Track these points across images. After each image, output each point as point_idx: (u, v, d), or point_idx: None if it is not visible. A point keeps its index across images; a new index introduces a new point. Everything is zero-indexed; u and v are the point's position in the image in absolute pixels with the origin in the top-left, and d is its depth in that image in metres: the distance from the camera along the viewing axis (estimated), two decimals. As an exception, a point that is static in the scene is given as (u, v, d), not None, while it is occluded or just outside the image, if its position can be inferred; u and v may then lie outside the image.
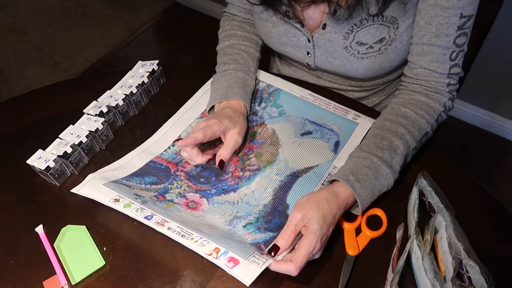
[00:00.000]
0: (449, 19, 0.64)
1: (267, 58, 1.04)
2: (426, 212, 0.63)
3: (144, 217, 0.59)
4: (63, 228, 0.62)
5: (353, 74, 0.77)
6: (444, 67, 0.68)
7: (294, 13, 0.70)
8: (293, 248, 0.56)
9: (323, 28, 0.71)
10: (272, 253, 0.54)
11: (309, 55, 0.78)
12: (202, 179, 0.68)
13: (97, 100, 0.77)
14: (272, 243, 0.56)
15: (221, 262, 0.53)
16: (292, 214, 0.56)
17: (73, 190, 0.64)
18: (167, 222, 0.58)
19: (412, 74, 0.71)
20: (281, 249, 0.55)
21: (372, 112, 0.78)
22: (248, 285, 0.51)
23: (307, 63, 0.80)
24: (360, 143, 0.69)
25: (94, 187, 0.64)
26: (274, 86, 0.83)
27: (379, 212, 0.63)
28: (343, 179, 0.60)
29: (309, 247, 0.53)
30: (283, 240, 0.55)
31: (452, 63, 0.67)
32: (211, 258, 0.54)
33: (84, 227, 0.63)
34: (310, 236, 0.54)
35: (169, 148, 0.72)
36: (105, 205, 0.62)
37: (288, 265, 0.52)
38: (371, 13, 0.66)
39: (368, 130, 0.72)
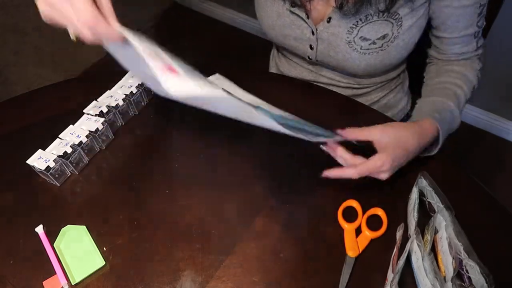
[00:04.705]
0: (473, 11, 0.69)
1: (267, 57, 1.04)
2: (426, 212, 0.63)
3: None
4: (63, 228, 0.62)
5: (354, 70, 0.77)
6: (472, 46, 0.75)
7: (301, 2, 0.72)
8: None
9: (328, 21, 0.72)
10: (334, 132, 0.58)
11: (312, 49, 0.78)
12: None
13: (97, 100, 0.77)
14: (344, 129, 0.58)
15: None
16: (375, 127, 0.60)
17: None
18: None
19: (445, 57, 0.77)
20: (343, 133, 0.59)
21: (370, 111, 0.78)
22: (172, 95, 0.46)
23: (309, 57, 0.81)
24: (422, 92, 0.75)
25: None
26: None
27: (379, 212, 0.63)
28: (431, 116, 0.64)
29: (379, 164, 0.57)
30: (350, 132, 0.59)
31: (476, 39, 0.74)
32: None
33: (84, 227, 0.63)
34: (383, 156, 0.57)
35: None
36: (105, 206, 0.61)
37: (350, 170, 0.58)
38: (380, 9, 0.67)
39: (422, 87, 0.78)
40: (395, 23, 0.69)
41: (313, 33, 0.75)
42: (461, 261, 0.52)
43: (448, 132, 0.68)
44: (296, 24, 0.76)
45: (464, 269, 0.52)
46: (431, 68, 0.79)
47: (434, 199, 0.61)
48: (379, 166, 0.58)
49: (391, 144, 0.59)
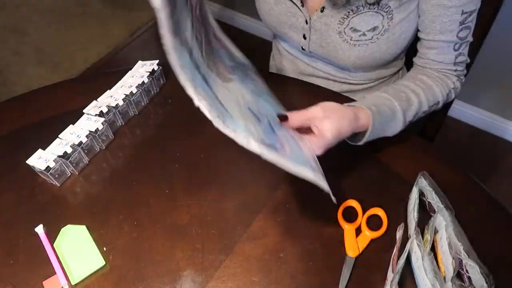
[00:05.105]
0: (452, 17, 0.67)
1: (267, 57, 1.04)
2: (426, 212, 0.63)
3: None
4: (63, 228, 0.62)
5: (344, 62, 0.78)
6: (450, 57, 0.72)
7: None
8: None
9: (322, 11, 0.73)
10: (280, 120, 0.57)
11: (305, 38, 0.79)
12: None
13: (97, 100, 0.77)
14: (283, 113, 0.56)
15: None
16: (315, 109, 0.57)
17: None
18: None
19: (421, 63, 0.76)
20: (289, 121, 0.56)
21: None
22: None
23: (302, 47, 0.82)
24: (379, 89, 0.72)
25: None
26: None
27: (379, 212, 0.63)
28: (367, 107, 0.62)
29: (316, 150, 0.56)
30: (295, 117, 0.56)
31: (456, 53, 0.72)
32: None
33: (84, 227, 0.63)
34: (320, 141, 0.56)
35: None
36: (105, 206, 0.61)
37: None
38: (368, 2, 0.68)
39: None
40: (385, 16, 0.70)
41: (306, 22, 0.76)
42: (461, 261, 0.52)
43: (382, 131, 0.65)
44: (291, 11, 0.77)
45: (464, 269, 0.52)
46: (408, 73, 0.77)
47: (434, 199, 0.61)
48: (313, 150, 0.57)
49: (331, 132, 0.56)
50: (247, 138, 0.49)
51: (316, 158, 0.56)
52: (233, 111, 0.52)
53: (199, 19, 0.56)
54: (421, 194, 0.64)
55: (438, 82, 0.72)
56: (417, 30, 0.75)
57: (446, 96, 0.73)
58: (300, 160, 0.53)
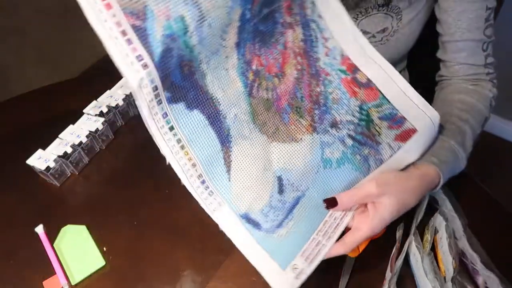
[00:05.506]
0: (477, 12, 0.64)
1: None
2: (427, 212, 0.63)
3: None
4: (63, 228, 0.62)
5: None
6: (480, 59, 0.69)
7: None
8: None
9: None
10: (327, 206, 0.50)
11: None
12: None
13: (97, 100, 0.77)
14: (332, 196, 0.49)
15: None
16: (370, 186, 0.48)
17: None
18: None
19: (449, 72, 0.70)
20: (339, 206, 0.49)
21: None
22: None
23: None
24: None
25: None
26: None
27: (379, 212, 0.63)
28: (429, 162, 0.55)
29: (370, 233, 0.48)
30: (346, 200, 0.49)
31: (485, 53, 0.69)
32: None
33: (84, 227, 0.63)
34: (376, 222, 0.48)
35: None
36: (105, 206, 0.61)
37: (338, 249, 0.49)
38: (379, 3, 0.66)
39: None
40: (395, 17, 0.69)
41: None
42: (475, 270, 0.52)
43: (451, 174, 0.58)
44: None
45: (481, 280, 0.52)
46: (439, 95, 0.71)
47: (447, 208, 0.60)
48: (369, 237, 0.50)
49: (389, 211, 0.49)
50: (221, 204, 0.49)
51: (320, 257, 0.49)
52: (244, 174, 0.50)
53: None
54: (434, 201, 0.62)
55: (476, 96, 0.67)
56: (437, 35, 0.71)
57: (489, 108, 0.68)
58: (286, 249, 0.48)
